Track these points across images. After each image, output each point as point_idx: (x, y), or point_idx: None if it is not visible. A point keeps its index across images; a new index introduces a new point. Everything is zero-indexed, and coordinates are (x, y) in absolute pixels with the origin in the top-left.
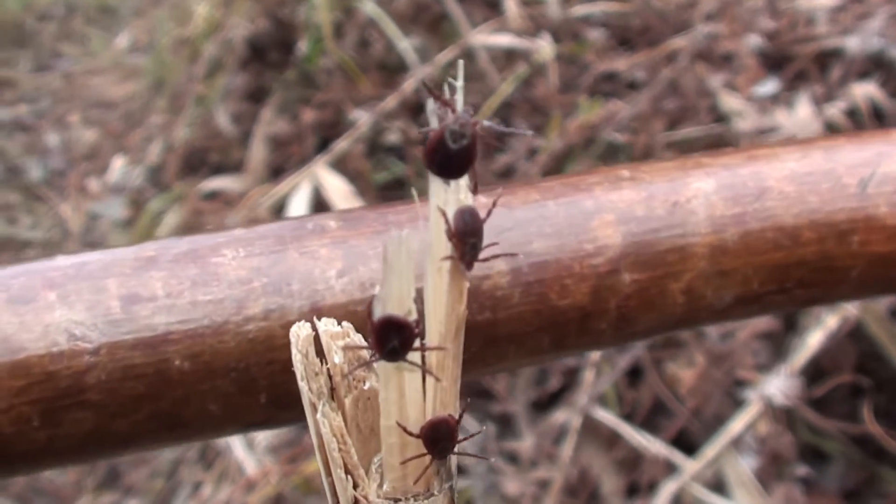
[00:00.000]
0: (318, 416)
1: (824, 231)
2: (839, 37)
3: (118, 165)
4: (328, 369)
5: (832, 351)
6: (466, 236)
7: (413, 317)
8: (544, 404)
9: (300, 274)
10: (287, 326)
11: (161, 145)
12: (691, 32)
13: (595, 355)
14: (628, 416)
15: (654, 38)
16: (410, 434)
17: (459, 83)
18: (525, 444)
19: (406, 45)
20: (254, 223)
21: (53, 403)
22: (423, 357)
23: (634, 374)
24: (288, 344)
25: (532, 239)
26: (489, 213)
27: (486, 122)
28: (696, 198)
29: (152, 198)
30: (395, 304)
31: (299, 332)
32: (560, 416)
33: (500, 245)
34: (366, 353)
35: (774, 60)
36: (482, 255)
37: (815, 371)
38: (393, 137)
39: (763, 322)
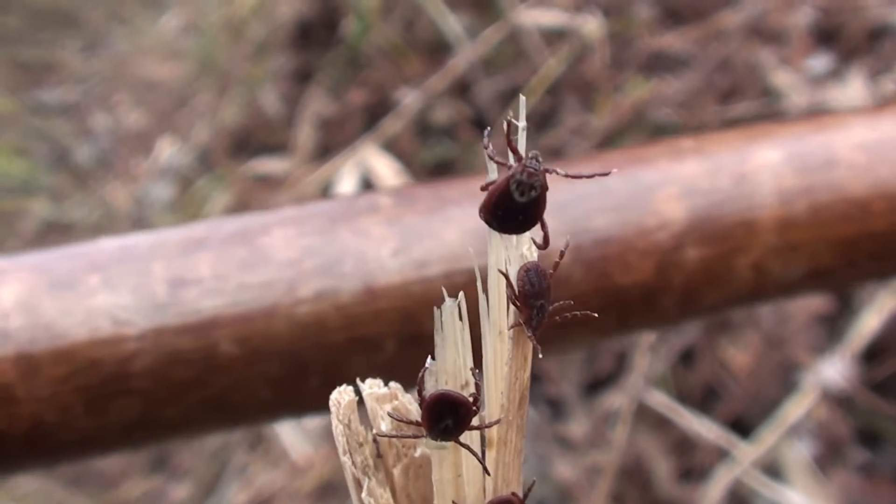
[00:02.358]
0: (364, 494)
1: (895, 202)
2: (890, 8)
3: (165, 147)
4: (374, 436)
5: (888, 331)
6: (532, 298)
7: (470, 390)
8: (596, 386)
9: (353, 253)
10: (340, 308)
11: (208, 126)
12: (742, 6)
13: (648, 337)
14: (681, 400)
15: (704, 11)
16: None
17: (521, 123)
18: (577, 428)
19: (451, 22)
20: (304, 201)
21: (98, 391)
22: (482, 435)
23: (687, 358)
24: (341, 327)
25: (593, 214)
26: (556, 267)
27: (559, 170)
28: (763, 169)
29: (199, 178)
30: (450, 377)
31: (340, 399)
32: (613, 399)
33: (559, 220)
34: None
35: (827, 34)
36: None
37: (869, 350)
38: (442, 118)
39: (819, 304)
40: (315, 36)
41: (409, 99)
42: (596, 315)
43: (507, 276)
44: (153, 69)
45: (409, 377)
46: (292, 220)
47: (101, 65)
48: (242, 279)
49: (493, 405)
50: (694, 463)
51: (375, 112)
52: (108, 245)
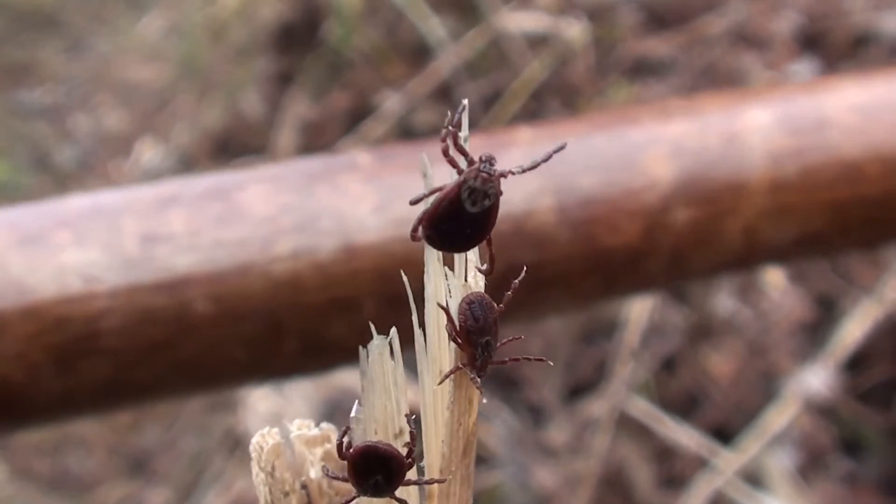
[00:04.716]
0: None
1: (889, 165)
2: (874, 13)
3: (146, 149)
4: (303, 481)
5: (871, 339)
6: (476, 335)
7: (404, 439)
8: (577, 393)
9: (331, 211)
10: (318, 267)
11: (189, 128)
12: (726, 11)
13: (630, 344)
14: (663, 407)
15: (688, 16)
16: None
17: (465, 133)
18: (558, 435)
19: (434, 26)
20: (282, 160)
21: (67, 350)
22: (421, 488)
23: (669, 365)
24: (318, 286)
25: (579, 173)
26: (507, 300)
27: (514, 170)
28: (753, 130)
29: None
30: (380, 425)
31: (263, 444)
32: (594, 406)
33: (545, 178)
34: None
35: (811, 40)
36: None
37: (853, 358)
38: (424, 121)
39: (802, 312)
40: (297, 39)
41: (391, 102)
42: (551, 363)
43: (447, 311)
44: (135, 71)
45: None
46: (269, 177)
47: (83, 66)
48: (217, 235)
49: (433, 455)
50: (675, 471)
51: (357, 115)
52: (78, 202)
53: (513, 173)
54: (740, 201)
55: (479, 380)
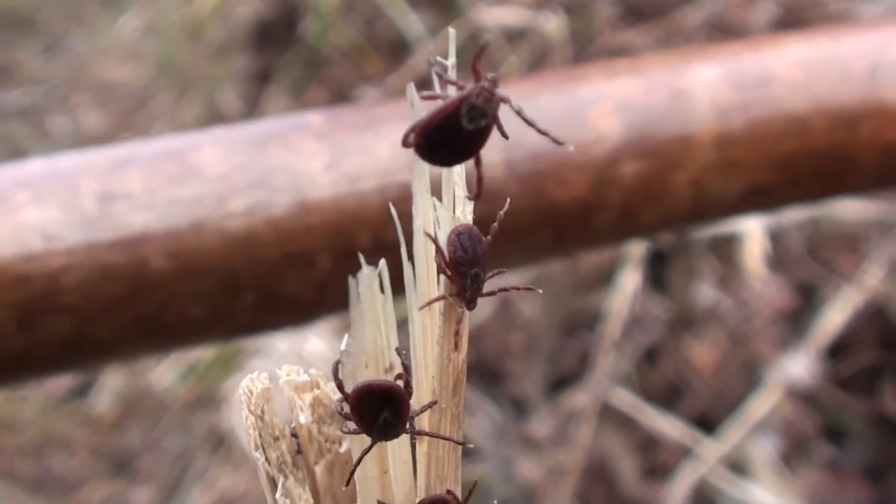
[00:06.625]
0: (278, 494)
1: (834, 119)
2: (850, 3)
3: None
4: (293, 428)
5: (852, 326)
6: (465, 266)
7: (394, 373)
8: (560, 385)
9: (284, 168)
10: (272, 222)
11: (168, 127)
12: (702, 2)
13: (612, 336)
14: (646, 398)
15: (665, 8)
16: None
17: (451, 60)
18: (541, 427)
19: (412, 21)
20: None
21: (28, 308)
22: (411, 425)
23: (651, 355)
24: (273, 241)
25: (527, 127)
26: (494, 232)
27: (513, 102)
28: (699, 85)
29: None
30: (370, 359)
31: (252, 387)
32: (577, 397)
33: (495, 135)
34: (345, 419)
35: (788, 30)
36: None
37: (834, 345)
38: None
39: (783, 300)
40: (274, 36)
41: (369, 97)
42: (540, 291)
43: (435, 241)
44: (112, 71)
45: (344, 294)
46: (222, 138)
47: (60, 67)
48: (173, 193)
49: (424, 392)
50: (659, 461)
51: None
52: (36, 164)
53: (512, 106)
54: (687, 155)
55: (468, 312)
